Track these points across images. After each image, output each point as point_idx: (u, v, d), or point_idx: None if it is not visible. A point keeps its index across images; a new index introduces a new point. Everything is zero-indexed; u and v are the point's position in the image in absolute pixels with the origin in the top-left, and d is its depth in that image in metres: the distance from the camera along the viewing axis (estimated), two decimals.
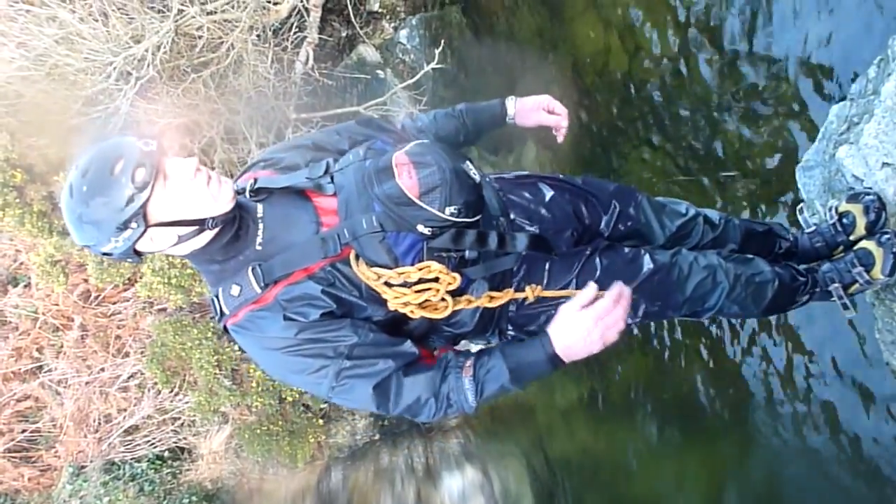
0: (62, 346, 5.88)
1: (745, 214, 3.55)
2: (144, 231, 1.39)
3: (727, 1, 3.65)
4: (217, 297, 1.54)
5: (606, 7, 4.53)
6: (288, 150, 1.74)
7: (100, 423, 6.03)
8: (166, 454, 6.22)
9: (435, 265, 1.54)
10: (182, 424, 6.16)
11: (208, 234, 1.49)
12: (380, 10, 5.86)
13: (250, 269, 1.50)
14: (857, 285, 2.09)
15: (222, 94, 4.84)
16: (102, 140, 1.42)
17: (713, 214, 2.18)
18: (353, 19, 5.43)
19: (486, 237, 1.62)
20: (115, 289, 5.73)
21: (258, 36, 4.90)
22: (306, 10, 5.12)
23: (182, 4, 4.40)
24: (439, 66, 4.80)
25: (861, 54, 2.79)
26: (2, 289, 5.90)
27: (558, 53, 5.00)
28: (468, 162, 1.59)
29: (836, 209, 2.19)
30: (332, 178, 1.60)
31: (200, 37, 4.63)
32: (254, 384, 5.68)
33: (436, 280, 1.55)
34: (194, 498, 6.12)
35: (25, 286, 5.86)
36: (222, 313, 1.53)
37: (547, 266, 1.79)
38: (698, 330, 4.09)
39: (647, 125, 4.23)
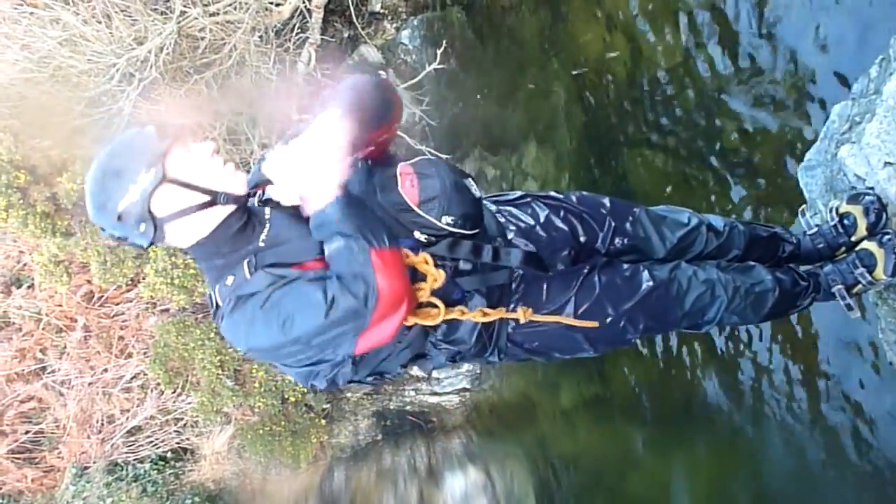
0: (65, 347, 5.90)
1: (748, 215, 3.55)
2: (160, 183, 1.44)
3: (727, 1, 3.66)
4: (214, 292, 1.57)
5: (607, 7, 4.54)
6: None
7: (103, 424, 6.05)
8: (169, 455, 6.24)
9: (413, 255, 1.56)
10: (185, 425, 6.18)
11: (219, 212, 1.52)
12: (381, 11, 5.88)
13: (246, 261, 1.53)
14: (860, 286, 2.10)
15: (225, 96, 4.86)
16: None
17: (717, 221, 2.15)
18: (354, 20, 5.45)
19: (480, 249, 1.68)
20: (118, 289, 5.75)
21: (260, 37, 4.92)
22: (308, 11, 5.14)
23: (185, 6, 4.42)
24: (441, 66, 4.82)
25: (862, 54, 2.79)
26: (5, 290, 5.92)
27: (559, 53, 5.01)
28: (470, 179, 1.70)
29: (837, 210, 2.19)
30: None
31: (203, 38, 4.65)
32: (256, 384, 5.70)
33: (423, 280, 1.58)
34: (197, 498, 6.14)
35: (29, 287, 5.88)
36: (217, 306, 1.56)
37: (545, 285, 1.81)
38: (700, 333, 4.08)
39: (648, 124, 4.24)
